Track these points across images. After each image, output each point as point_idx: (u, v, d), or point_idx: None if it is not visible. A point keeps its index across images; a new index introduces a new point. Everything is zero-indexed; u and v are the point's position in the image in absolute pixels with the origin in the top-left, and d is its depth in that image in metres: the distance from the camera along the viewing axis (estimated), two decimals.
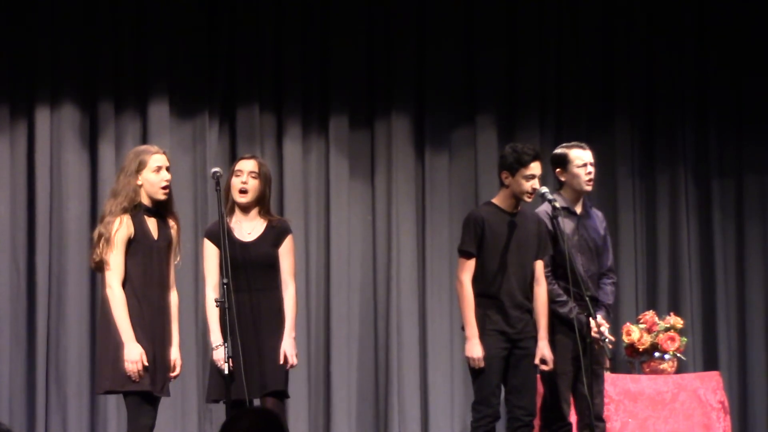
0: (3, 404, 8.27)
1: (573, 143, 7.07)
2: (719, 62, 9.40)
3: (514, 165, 6.77)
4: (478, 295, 6.79)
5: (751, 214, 9.39)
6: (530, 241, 6.86)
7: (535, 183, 6.76)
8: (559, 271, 6.82)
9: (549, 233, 6.84)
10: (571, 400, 6.89)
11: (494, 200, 6.92)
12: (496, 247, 6.79)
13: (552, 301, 6.78)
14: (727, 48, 9.40)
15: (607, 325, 6.86)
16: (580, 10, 9.31)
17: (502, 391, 6.83)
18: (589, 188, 6.98)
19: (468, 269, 6.80)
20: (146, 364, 6.07)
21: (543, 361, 6.84)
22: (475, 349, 6.72)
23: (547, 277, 6.81)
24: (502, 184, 6.86)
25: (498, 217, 6.84)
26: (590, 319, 6.67)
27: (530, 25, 9.21)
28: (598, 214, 7.14)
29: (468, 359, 6.77)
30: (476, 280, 6.81)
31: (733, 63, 9.41)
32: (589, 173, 6.93)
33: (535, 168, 6.77)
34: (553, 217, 6.78)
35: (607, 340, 6.80)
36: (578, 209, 7.00)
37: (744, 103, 9.42)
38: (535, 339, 6.83)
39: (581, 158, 6.93)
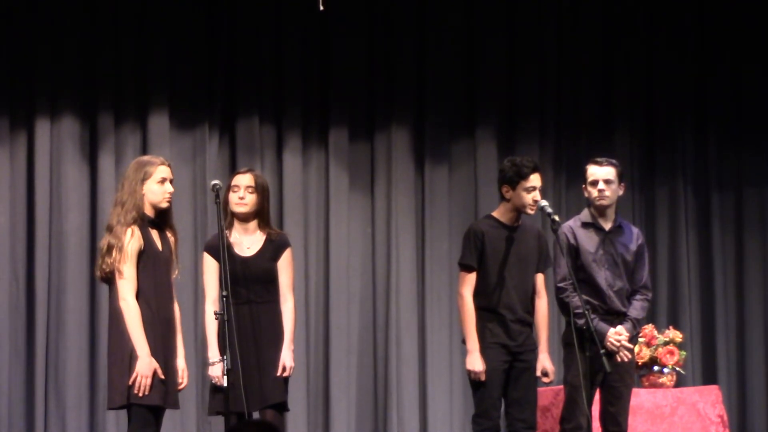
0: (2, 416, 8.25)
1: (594, 159, 7.00)
2: (718, 75, 9.41)
3: (514, 178, 6.76)
4: (479, 308, 6.78)
5: (750, 227, 9.38)
6: (531, 255, 6.86)
7: (536, 195, 6.76)
8: (579, 285, 6.76)
9: (570, 247, 6.81)
10: (593, 413, 6.85)
11: (494, 214, 6.91)
12: (496, 261, 6.78)
13: (570, 313, 6.75)
14: (727, 60, 9.40)
15: (626, 335, 6.82)
16: (579, 22, 9.32)
17: (502, 404, 6.82)
18: (600, 204, 6.86)
19: (468, 283, 6.80)
20: (162, 377, 6.02)
21: (544, 374, 6.85)
22: (476, 363, 6.71)
23: (567, 289, 6.79)
24: (503, 198, 6.85)
25: (498, 231, 6.83)
26: (592, 331, 6.62)
27: (530, 37, 9.22)
28: (633, 231, 7.02)
29: (469, 372, 6.76)
30: (477, 294, 6.79)
31: (732, 75, 9.42)
32: (601, 191, 6.86)
33: (535, 180, 6.77)
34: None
35: (619, 351, 6.77)
36: (607, 225, 6.92)
37: (743, 116, 9.42)
38: (535, 352, 6.83)
39: (592, 174, 6.89)
